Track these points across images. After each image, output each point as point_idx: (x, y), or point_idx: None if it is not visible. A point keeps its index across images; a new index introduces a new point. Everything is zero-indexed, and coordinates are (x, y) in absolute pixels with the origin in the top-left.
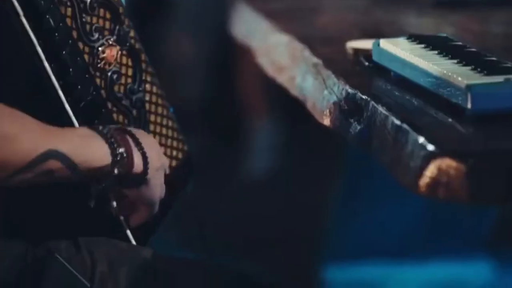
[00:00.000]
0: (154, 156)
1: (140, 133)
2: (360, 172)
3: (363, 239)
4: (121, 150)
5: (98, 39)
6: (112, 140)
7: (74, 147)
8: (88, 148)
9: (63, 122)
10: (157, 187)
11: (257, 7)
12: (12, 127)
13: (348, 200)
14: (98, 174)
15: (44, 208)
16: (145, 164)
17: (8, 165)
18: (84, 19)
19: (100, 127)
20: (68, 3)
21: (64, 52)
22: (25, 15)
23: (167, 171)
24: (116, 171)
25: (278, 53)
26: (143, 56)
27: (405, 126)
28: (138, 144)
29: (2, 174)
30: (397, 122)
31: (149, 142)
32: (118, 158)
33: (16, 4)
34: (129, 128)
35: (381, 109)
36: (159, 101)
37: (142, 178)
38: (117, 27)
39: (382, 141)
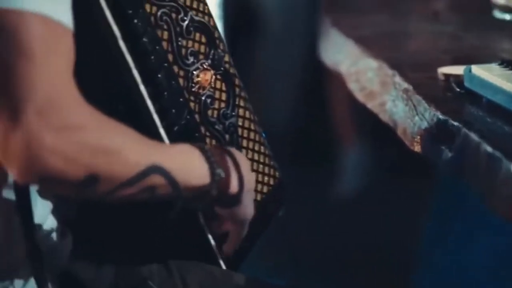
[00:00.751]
0: (247, 177)
1: (236, 153)
2: (451, 200)
3: (454, 271)
4: (220, 170)
5: (193, 63)
6: (212, 159)
7: (176, 163)
8: (189, 165)
9: None
10: (248, 207)
11: (346, 33)
12: (117, 140)
13: (438, 228)
14: (196, 194)
15: (134, 230)
16: (241, 186)
17: (112, 179)
18: (180, 43)
19: (200, 144)
20: (165, 26)
21: (159, 76)
22: (122, 37)
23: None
24: (214, 191)
25: (368, 78)
26: (236, 81)
27: (497, 153)
28: (236, 165)
29: (105, 188)
30: (490, 149)
31: (243, 162)
32: (216, 178)
33: (114, 27)
34: (227, 148)
35: (473, 136)
36: (252, 127)
37: (236, 200)
38: (212, 51)
39: (475, 168)
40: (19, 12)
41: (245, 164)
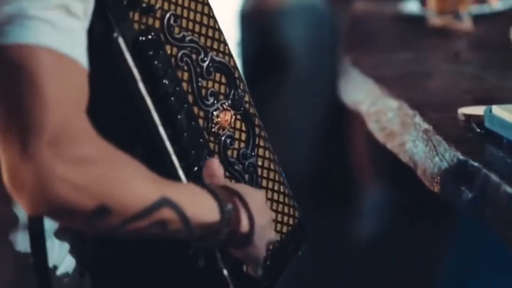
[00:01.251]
0: (259, 214)
1: (244, 190)
2: (471, 241)
3: None
4: (229, 206)
5: (213, 104)
6: (220, 197)
7: (186, 199)
8: (198, 202)
9: None
10: (261, 245)
11: (367, 72)
12: (127, 170)
13: (458, 270)
14: (206, 232)
15: (150, 270)
16: (251, 225)
17: (122, 211)
18: (200, 84)
19: (207, 184)
20: (185, 68)
21: (179, 117)
22: (142, 79)
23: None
24: (224, 229)
25: (388, 118)
26: (256, 121)
27: None
28: (245, 205)
29: (116, 220)
30: (510, 190)
31: (254, 199)
32: (226, 216)
33: (134, 71)
34: (233, 187)
35: (493, 176)
36: (272, 166)
37: (247, 239)
38: (232, 92)
39: (495, 209)
40: (28, 46)
41: (256, 201)
